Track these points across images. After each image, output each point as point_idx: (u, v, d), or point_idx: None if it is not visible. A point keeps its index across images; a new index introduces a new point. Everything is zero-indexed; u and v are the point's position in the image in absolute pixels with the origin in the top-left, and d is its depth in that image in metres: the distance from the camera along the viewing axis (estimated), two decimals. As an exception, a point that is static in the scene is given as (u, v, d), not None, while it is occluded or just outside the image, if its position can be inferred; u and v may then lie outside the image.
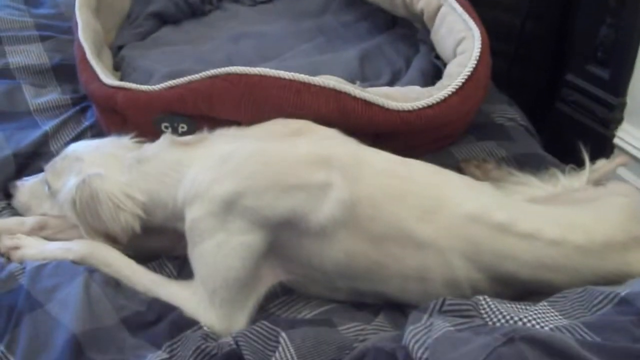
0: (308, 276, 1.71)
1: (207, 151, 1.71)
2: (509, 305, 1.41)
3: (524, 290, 1.58)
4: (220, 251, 1.61)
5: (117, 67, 2.59)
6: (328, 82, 1.90)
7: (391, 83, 2.40)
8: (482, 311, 1.38)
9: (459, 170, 2.12)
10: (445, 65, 2.26)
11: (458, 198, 1.62)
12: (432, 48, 2.48)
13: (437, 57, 2.43)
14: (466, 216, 1.58)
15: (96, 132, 2.29)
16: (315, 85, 1.89)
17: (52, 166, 1.88)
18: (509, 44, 2.93)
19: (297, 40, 2.74)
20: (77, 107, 2.40)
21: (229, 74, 1.94)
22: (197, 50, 2.68)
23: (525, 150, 2.26)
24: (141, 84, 2.12)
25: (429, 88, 2.07)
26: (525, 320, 1.33)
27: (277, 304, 1.74)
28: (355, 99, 1.90)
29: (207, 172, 1.65)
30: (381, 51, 2.62)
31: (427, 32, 2.50)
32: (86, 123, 2.34)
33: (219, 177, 1.62)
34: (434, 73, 2.41)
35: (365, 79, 2.41)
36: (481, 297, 1.42)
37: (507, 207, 1.63)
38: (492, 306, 1.39)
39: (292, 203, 1.59)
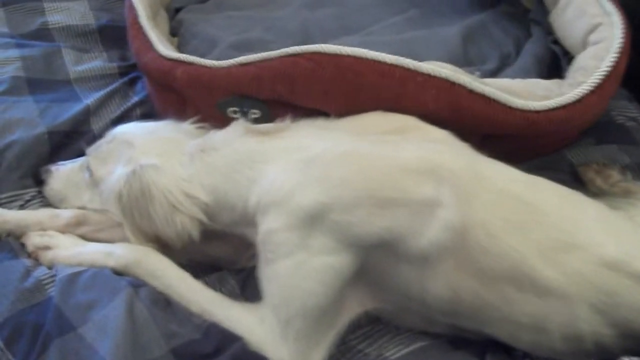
0: (402, 306, 1.56)
1: (289, 146, 1.56)
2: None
3: None
4: (299, 273, 1.46)
5: (174, 32, 2.47)
6: (440, 70, 1.69)
7: (499, 70, 2.24)
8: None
9: (575, 175, 1.99)
10: (565, 52, 2.13)
11: (595, 237, 1.46)
12: (548, 31, 2.32)
13: (554, 41, 2.26)
14: (603, 261, 1.43)
15: (146, 109, 2.15)
16: (423, 74, 1.68)
17: (96, 149, 1.75)
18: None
19: (383, 10, 2.57)
20: (125, 78, 2.24)
21: (314, 53, 1.74)
22: (267, 16, 2.53)
23: (652, 157, 2.11)
24: (203, 54, 2.05)
25: (557, 81, 1.91)
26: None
27: (358, 336, 1.60)
28: (472, 93, 1.69)
29: (289, 175, 1.49)
30: (486, 30, 2.44)
31: (545, 11, 2.32)
32: (135, 98, 2.17)
33: (303, 183, 1.47)
34: (550, 61, 2.23)
35: (470, 63, 2.25)
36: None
37: None
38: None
39: (389, 221, 1.43)
